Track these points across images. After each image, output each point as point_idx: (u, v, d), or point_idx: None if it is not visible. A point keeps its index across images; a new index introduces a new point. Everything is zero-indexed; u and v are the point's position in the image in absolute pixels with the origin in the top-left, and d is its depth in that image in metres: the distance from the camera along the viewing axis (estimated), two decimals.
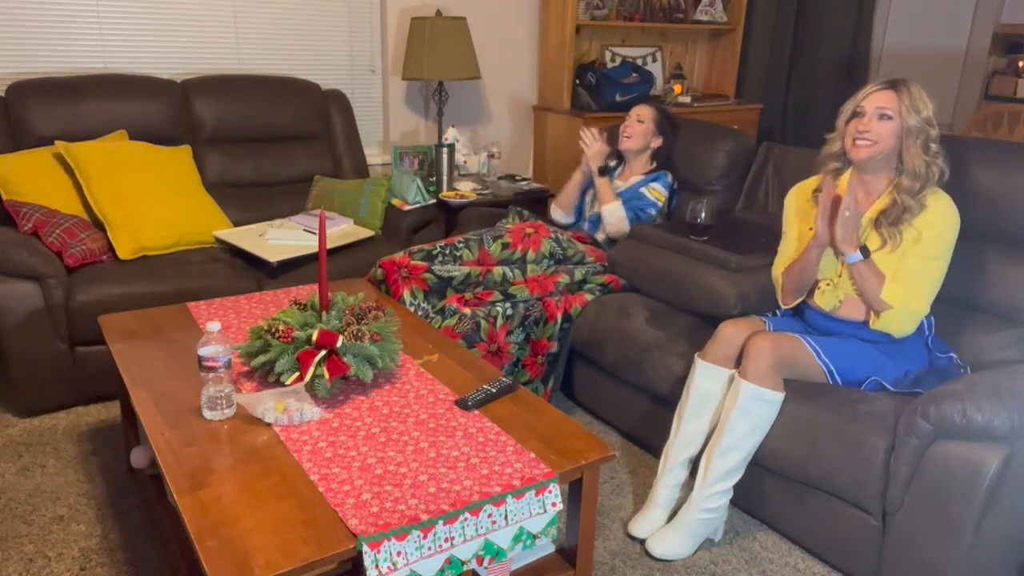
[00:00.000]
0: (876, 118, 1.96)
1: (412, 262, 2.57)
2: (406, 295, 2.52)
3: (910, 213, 1.95)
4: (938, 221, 1.94)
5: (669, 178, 3.03)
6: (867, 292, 1.98)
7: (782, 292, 2.18)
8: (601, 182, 3.00)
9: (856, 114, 2.00)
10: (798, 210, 2.19)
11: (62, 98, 2.96)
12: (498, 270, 2.63)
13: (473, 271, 2.60)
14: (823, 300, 2.08)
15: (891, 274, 1.97)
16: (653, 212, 2.96)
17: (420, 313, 2.50)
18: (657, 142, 3.06)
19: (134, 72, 3.27)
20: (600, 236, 3.05)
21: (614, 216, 2.95)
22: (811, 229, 2.08)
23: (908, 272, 1.96)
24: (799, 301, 2.17)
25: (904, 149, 1.96)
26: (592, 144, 3.03)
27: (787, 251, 2.20)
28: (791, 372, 1.99)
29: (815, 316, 2.14)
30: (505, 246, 2.71)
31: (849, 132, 2.01)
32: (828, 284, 2.07)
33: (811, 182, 2.18)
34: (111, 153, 2.89)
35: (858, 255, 1.95)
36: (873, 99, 1.97)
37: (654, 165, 3.08)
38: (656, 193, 2.97)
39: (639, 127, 3.04)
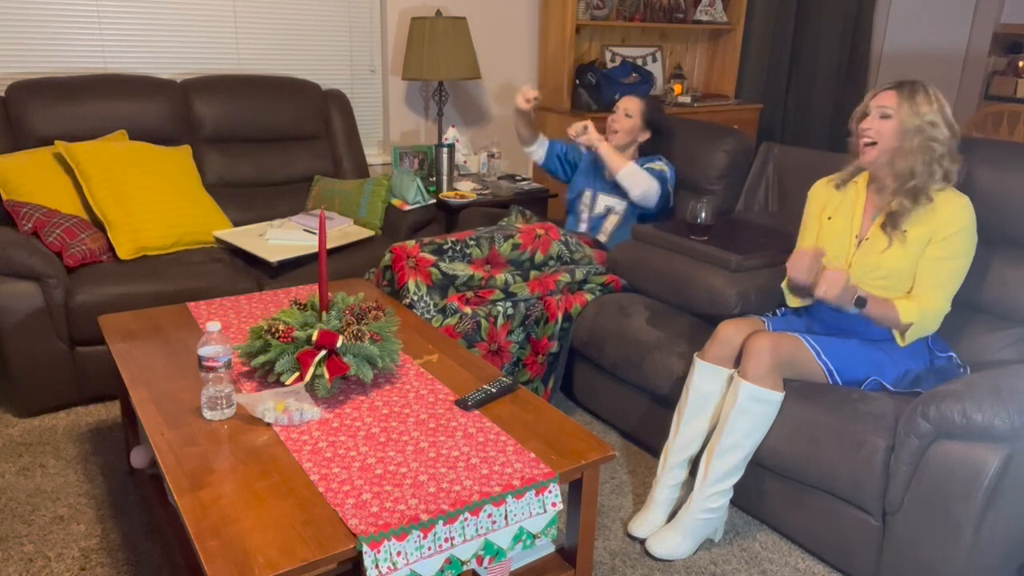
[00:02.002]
0: (877, 117, 1.99)
1: (421, 254, 2.56)
2: (411, 284, 2.51)
3: (904, 212, 1.97)
4: (950, 222, 1.95)
5: (664, 160, 3.01)
6: (887, 324, 2.00)
7: (788, 292, 2.20)
8: (608, 148, 2.90)
9: (864, 115, 2.04)
10: (818, 200, 2.22)
11: (62, 98, 2.96)
12: (500, 278, 2.62)
13: (476, 275, 2.60)
14: None
15: (901, 265, 1.98)
16: (662, 178, 2.92)
17: (422, 305, 2.50)
18: (644, 136, 3.03)
19: (134, 72, 3.27)
20: (602, 237, 3.05)
21: (635, 177, 2.85)
22: (829, 219, 2.15)
23: (923, 276, 1.98)
24: (807, 303, 2.18)
25: (900, 149, 1.97)
26: (587, 132, 2.96)
27: (804, 240, 2.24)
28: (791, 372, 2.00)
29: (823, 308, 2.14)
30: (516, 246, 2.70)
31: (857, 132, 2.06)
32: None
33: (834, 178, 2.22)
34: (111, 153, 2.89)
35: (855, 309, 1.97)
36: (877, 99, 2.01)
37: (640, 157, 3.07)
38: (658, 164, 2.94)
39: (627, 122, 3.00)
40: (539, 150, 3.23)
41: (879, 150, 1.99)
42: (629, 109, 3.01)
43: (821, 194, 2.23)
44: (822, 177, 2.27)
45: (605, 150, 2.92)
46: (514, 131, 4.36)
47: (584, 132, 2.95)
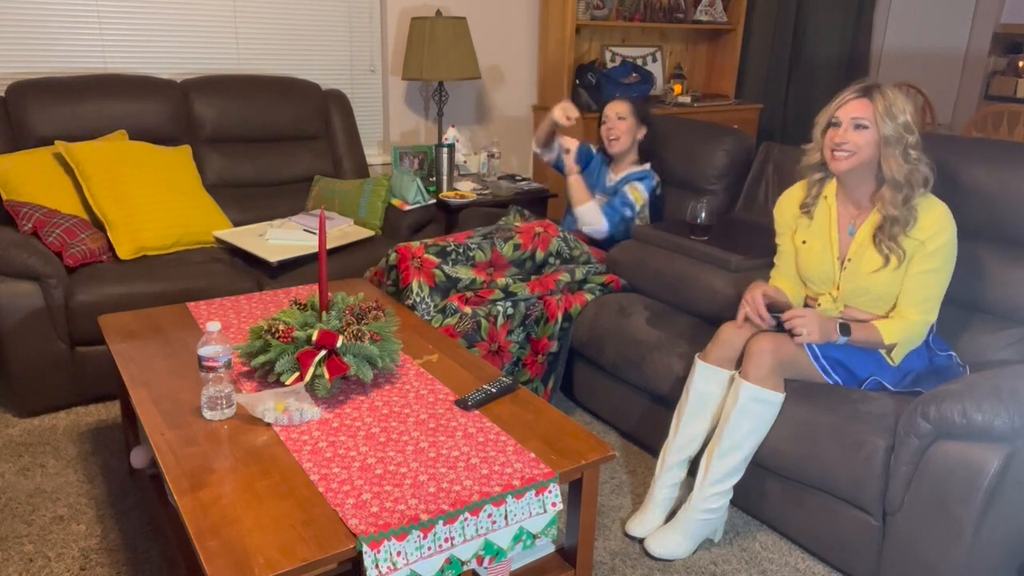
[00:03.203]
0: (852, 128, 1.91)
1: (426, 255, 2.57)
2: (414, 284, 2.51)
3: (900, 225, 1.92)
4: (936, 234, 1.91)
5: (654, 181, 3.01)
6: (871, 347, 1.99)
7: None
8: (575, 181, 2.98)
9: (832, 124, 1.96)
10: (787, 222, 2.18)
11: (62, 98, 2.96)
12: (502, 282, 2.63)
13: (479, 279, 2.60)
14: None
15: (894, 290, 1.96)
16: (629, 214, 2.94)
17: (423, 306, 2.50)
18: (642, 132, 3.05)
19: (134, 72, 3.27)
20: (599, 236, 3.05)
21: (589, 216, 2.95)
22: (804, 243, 2.10)
23: (908, 291, 1.95)
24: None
25: (883, 158, 1.91)
26: (571, 145, 3.01)
27: (782, 265, 2.21)
28: (792, 372, 1.99)
29: None
30: (516, 247, 2.71)
31: (826, 144, 1.97)
32: (827, 297, 2.08)
33: (797, 190, 2.17)
34: (111, 153, 2.89)
35: (843, 338, 1.97)
36: (847, 109, 1.92)
37: (640, 157, 3.07)
38: (636, 193, 2.96)
39: (623, 124, 3.02)
40: (550, 153, 3.22)
41: (857, 159, 1.93)
42: (620, 111, 3.03)
43: (789, 218, 2.16)
44: None
45: (573, 182, 3.00)
46: (514, 131, 4.38)
47: (567, 153, 3.03)
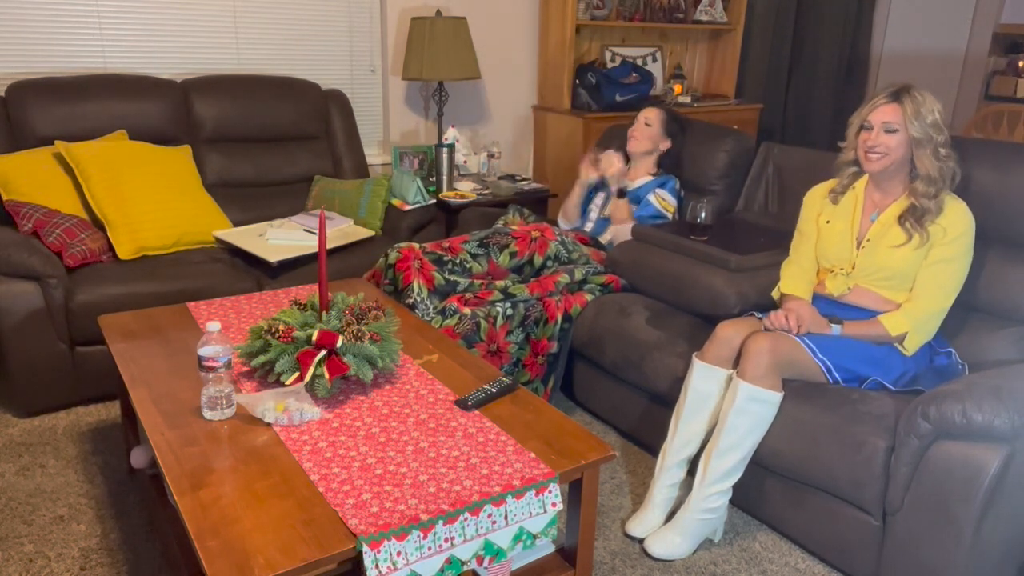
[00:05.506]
0: (883, 132, 2.00)
1: (425, 258, 2.58)
2: (415, 284, 2.52)
3: (930, 214, 1.99)
4: (953, 226, 1.98)
5: (676, 184, 3.02)
6: (878, 340, 2.03)
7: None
8: (621, 203, 2.97)
9: (864, 127, 2.05)
10: (815, 206, 2.24)
11: (62, 98, 2.96)
12: (500, 283, 2.63)
13: (477, 283, 2.61)
14: (833, 285, 2.12)
15: (907, 269, 2.00)
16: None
17: (423, 306, 2.50)
18: (665, 145, 3.05)
19: (134, 72, 3.27)
20: (604, 239, 3.05)
21: (623, 236, 2.92)
22: (828, 223, 2.17)
23: (922, 280, 2.00)
24: None
25: (916, 157, 2.01)
26: (611, 168, 2.99)
27: (800, 247, 2.25)
28: (790, 372, 2.00)
29: (822, 305, 2.15)
30: (513, 255, 2.72)
31: (860, 145, 2.06)
32: (841, 271, 2.11)
33: (829, 182, 2.24)
34: (111, 153, 2.89)
35: (836, 329, 2.02)
36: (878, 114, 2.01)
37: (659, 169, 3.07)
38: (665, 203, 2.96)
39: (647, 130, 3.03)
40: (576, 224, 3.22)
41: (889, 159, 2.01)
42: (649, 118, 3.05)
43: (817, 202, 2.24)
44: (822, 177, 2.28)
45: (619, 205, 2.97)
46: (514, 131, 4.37)
47: (611, 166, 3.01)
